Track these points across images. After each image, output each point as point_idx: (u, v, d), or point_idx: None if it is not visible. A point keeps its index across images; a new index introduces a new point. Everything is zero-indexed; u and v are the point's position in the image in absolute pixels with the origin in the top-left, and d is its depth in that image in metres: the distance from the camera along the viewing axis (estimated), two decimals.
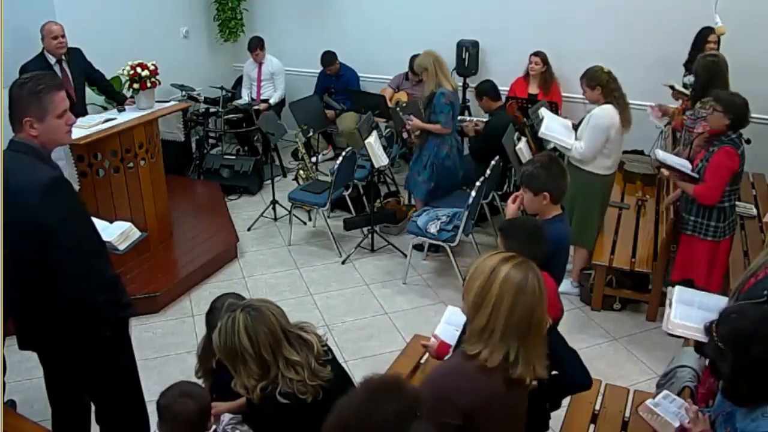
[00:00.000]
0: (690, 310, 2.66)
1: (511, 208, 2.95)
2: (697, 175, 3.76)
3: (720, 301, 2.72)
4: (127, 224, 3.15)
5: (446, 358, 2.16)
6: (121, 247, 3.05)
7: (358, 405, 1.49)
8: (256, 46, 6.84)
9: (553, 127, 4.38)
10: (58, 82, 2.46)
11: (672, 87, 4.89)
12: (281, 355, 1.99)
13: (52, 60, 4.92)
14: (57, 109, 2.36)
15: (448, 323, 2.89)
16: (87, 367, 2.60)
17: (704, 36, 5.05)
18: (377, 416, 1.45)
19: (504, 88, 5.67)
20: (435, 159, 5.00)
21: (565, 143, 4.27)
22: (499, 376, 1.81)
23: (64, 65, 5.01)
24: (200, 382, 2.61)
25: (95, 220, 2.66)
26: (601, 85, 4.14)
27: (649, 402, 2.42)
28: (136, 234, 3.15)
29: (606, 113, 4.15)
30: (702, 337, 2.56)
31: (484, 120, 5.42)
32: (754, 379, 1.89)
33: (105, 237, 2.79)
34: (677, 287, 2.82)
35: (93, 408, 2.87)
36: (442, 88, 4.79)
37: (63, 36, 4.90)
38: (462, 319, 2.65)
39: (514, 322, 1.76)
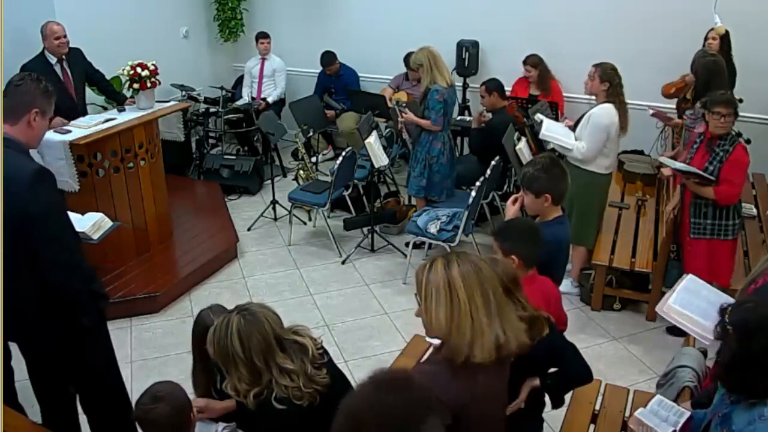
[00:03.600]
0: (693, 299, 2.61)
1: (511, 210, 2.95)
2: (712, 177, 3.72)
3: (728, 300, 2.69)
4: (99, 215, 3.23)
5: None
6: (95, 236, 3.12)
7: (368, 397, 1.44)
8: (266, 35, 6.91)
9: (553, 128, 4.39)
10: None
11: None
12: (274, 363, 1.98)
13: (52, 60, 4.93)
14: (51, 112, 2.50)
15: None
16: (68, 357, 2.63)
17: (707, 35, 5.04)
18: (390, 406, 1.40)
19: (506, 89, 5.66)
20: (427, 155, 5.00)
21: (566, 144, 4.27)
22: (482, 369, 1.77)
23: (65, 65, 5.01)
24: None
25: (68, 212, 2.70)
26: (611, 83, 4.14)
27: (638, 413, 2.36)
28: (109, 224, 3.23)
29: (605, 112, 4.16)
30: (696, 332, 2.55)
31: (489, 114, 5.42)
32: (749, 372, 1.88)
33: (78, 228, 2.83)
34: (690, 276, 2.76)
35: (78, 398, 2.91)
36: (437, 85, 4.79)
37: (65, 36, 4.92)
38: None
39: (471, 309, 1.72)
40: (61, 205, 2.51)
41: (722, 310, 2.02)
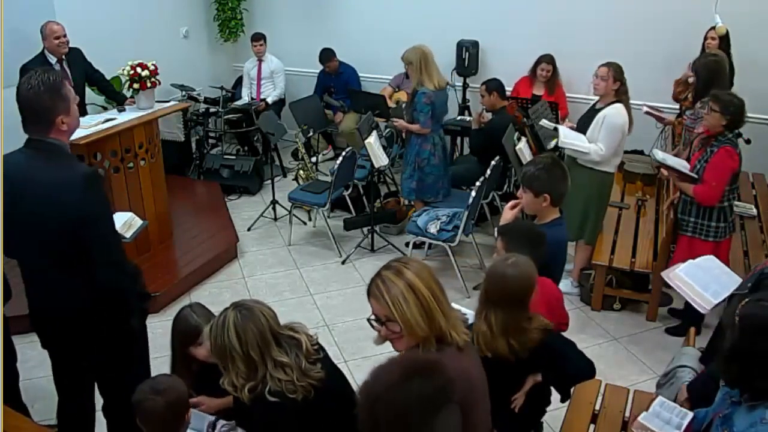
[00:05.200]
0: (701, 273, 2.65)
1: (508, 214, 2.93)
2: (696, 176, 3.75)
3: (737, 284, 2.71)
4: (129, 214, 3.24)
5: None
6: (128, 235, 3.12)
7: (389, 380, 1.48)
8: (260, 37, 6.89)
9: (568, 134, 4.34)
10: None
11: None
12: (269, 356, 2.01)
13: (52, 60, 4.93)
14: (71, 92, 2.40)
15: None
16: (108, 358, 2.60)
17: (706, 35, 5.05)
18: (405, 394, 1.44)
19: (507, 88, 5.65)
20: (417, 157, 5.01)
21: (583, 148, 4.23)
22: (469, 353, 1.86)
23: (65, 65, 5.01)
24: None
25: None
26: (622, 83, 4.14)
27: (641, 417, 2.36)
28: (139, 222, 3.23)
29: (618, 112, 4.15)
30: (693, 299, 2.58)
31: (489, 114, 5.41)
32: (748, 369, 1.88)
33: None
34: (710, 256, 2.86)
35: (100, 401, 2.87)
36: (424, 88, 4.78)
37: (65, 36, 4.93)
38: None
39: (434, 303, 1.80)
40: (109, 205, 2.50)
41: (739, 298, 2.02)
